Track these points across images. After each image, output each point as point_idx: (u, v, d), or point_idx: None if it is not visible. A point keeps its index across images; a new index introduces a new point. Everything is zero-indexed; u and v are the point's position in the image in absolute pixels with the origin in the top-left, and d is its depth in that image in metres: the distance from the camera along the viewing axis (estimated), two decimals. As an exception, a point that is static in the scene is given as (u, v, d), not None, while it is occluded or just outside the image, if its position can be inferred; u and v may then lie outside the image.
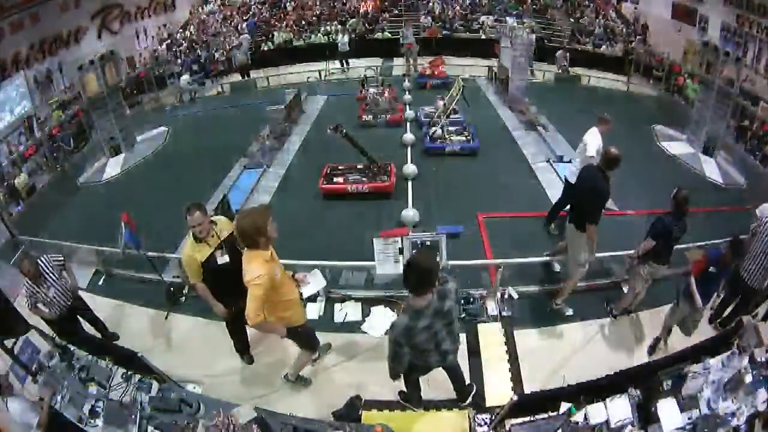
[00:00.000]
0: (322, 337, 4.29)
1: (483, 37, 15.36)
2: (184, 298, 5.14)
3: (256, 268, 2.94)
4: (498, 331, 4.47)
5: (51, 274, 4.02)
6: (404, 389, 3.69)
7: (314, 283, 4.23)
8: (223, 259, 3.49)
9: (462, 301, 4.80)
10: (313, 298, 4.86)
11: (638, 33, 14.58)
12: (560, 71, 13.40)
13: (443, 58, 13.26)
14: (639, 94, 12.38)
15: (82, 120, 10.07)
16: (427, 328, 2.81)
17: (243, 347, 4.24)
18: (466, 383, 3.73)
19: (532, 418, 3.00)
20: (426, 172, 7.88)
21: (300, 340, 3.66)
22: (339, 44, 14.17)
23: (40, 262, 4.00)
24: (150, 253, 5.13)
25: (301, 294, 3.63)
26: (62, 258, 4.26)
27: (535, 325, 4.60)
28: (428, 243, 4.23)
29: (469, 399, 3.70)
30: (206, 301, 3.64)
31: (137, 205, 6.90)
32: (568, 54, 13.52)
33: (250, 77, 14.28)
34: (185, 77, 13.29)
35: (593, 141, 5.15)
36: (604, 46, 14.33)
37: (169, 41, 16.22)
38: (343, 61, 14.51)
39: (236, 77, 14.45)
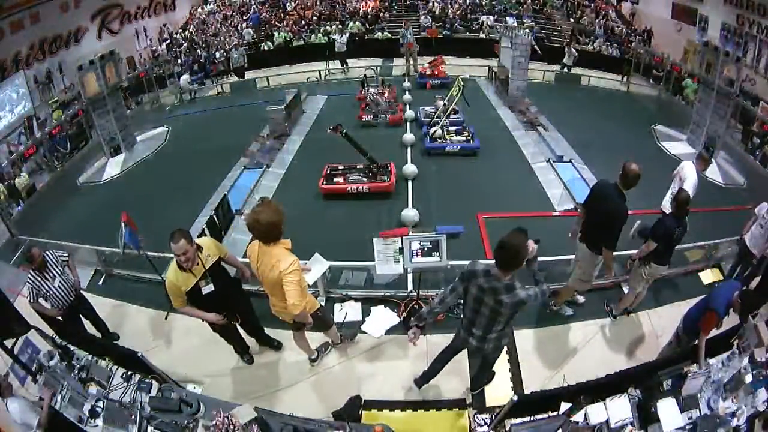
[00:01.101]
0: (322, 337, 4.30)
1: (483, 37, 15.38)
2: (184, 298, 5.13)
3: (285, 257, 3.00)
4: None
5: (56, 267, 4.03)
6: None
7: (316, 269, 4.18)
8: (208, 288, 3.36)
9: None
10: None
11: (638, 33, 14.59)
12: (565, 68, 13.37)
13: (443, 58, 13.27)
14: (639, 94, 12.39)
15: (82, 120, 10.06)
16: (480, 291, 2.91)
17: (242, 348, 4.22)
18: (484, 376, 3.80)
19: (532, 418, 3.00)
20: (426, 172, 7.89)
21: (320, 322, 3.65)
22: (336, 44, 14.17)
23: (45, 255, 4.01)
24: (150, 253, 5.12)
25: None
26: (67, 254, 4.27)
27: (535, 325, 4.59)
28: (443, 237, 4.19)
29: (477, 390, 3.81)
30: (195, 317, 3.51)
31: (137, 205, 6.92)
32: (573, 49, 13.51)
33: (244, 78, 14.33)
34: (185, 77, 13.29)
35: (692, 177, 4.69)
36: (603, 46, 14.34)
37: (169, 41, 16.22)
38: (343, 62, 14.52)
39: (236, 77, 14.47)
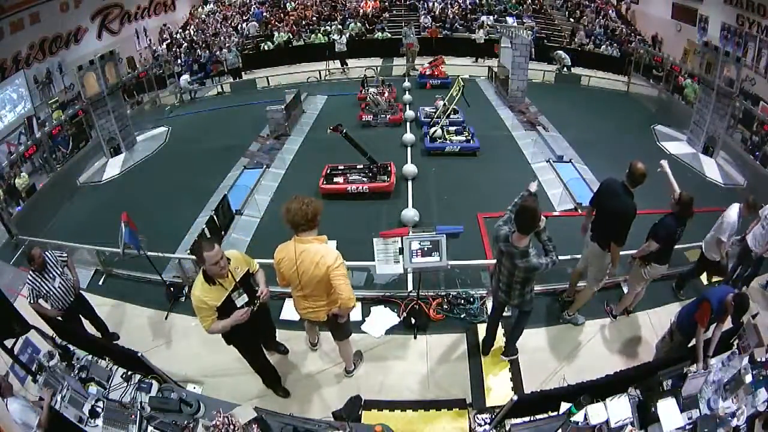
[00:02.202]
0: (322, 337, 4.30)
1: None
2: (184, 297, 5.13)
3: (329, 251, 3.05)
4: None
5: (56, 268, 4.03)
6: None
7: None
8: (242, 300, 3.19)
9: (462, 302, 4.81)
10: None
11: (638, 33, 14.60)
12: (561, 70, 13.39)
13: (443, 58, 13.28)
14: (639, 94, 12.39)
15: (82, 120, 10.07)
16: (500, 253, 3.32)
17: (274, 377, 3.91)
18: (515, 343, 4.11)
19: (532, 418, 3.00)
20: (426, 172, 7.89)
21: (344, 322, 3.55)
22: (336, 44, 14.18)
23: (45, 255, 4.00)
24: (150, 253, 5.12)
25: None
26: (66, 254, 4.26)
27: (536, 325, 4.58)
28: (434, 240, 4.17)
29: (509, 357, 4.17)
30: (224, 326, 3.12)
31: (137, 205, 6.91)
32: (561, 53, 13.52)
33: (241, 78, 14.36)
34: (185, 77, 13.30)
35: (730, 219, 4.40)
36: (603, 46, 14.35)
37: (169, 41, 16.23)
38: (343, 62, 14.52)
39: (232, 78, 14.47)
